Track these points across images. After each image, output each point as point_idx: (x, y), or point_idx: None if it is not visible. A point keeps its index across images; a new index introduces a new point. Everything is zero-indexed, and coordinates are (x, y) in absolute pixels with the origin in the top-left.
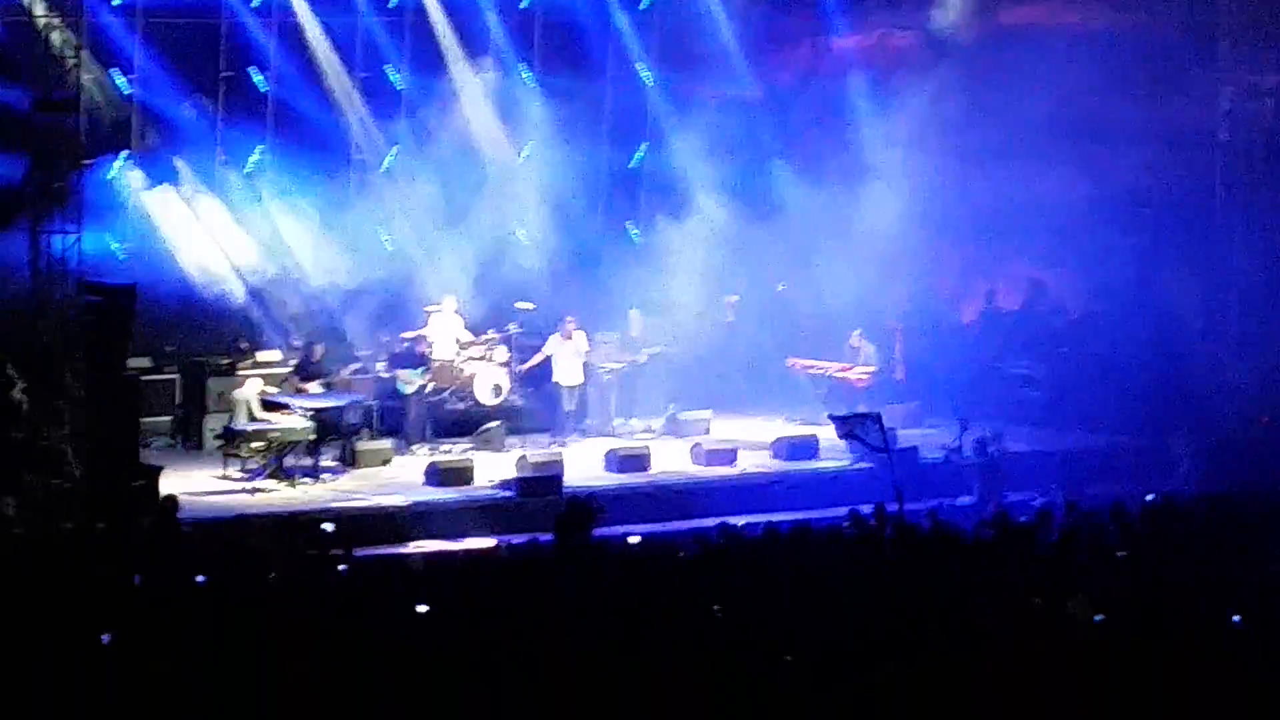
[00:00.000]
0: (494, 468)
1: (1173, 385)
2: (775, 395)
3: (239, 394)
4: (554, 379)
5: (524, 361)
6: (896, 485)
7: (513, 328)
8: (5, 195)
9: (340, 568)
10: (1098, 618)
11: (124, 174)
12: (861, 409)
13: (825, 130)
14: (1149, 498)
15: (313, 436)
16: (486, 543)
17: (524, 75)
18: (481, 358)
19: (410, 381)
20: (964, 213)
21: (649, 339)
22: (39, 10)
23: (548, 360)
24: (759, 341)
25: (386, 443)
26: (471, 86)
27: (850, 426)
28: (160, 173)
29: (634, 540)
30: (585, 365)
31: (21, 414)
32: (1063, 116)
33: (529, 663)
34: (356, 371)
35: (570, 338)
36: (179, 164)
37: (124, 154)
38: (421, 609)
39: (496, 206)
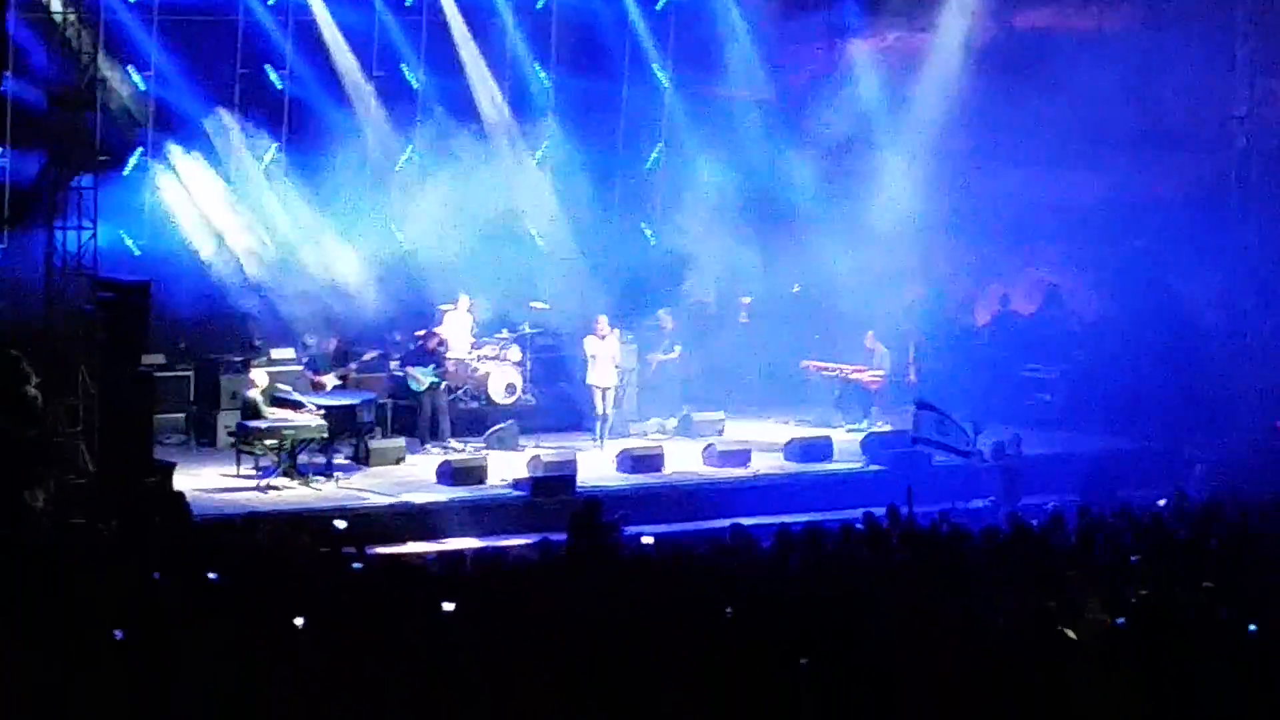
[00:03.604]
0: (507, 467)
1: (1188, 389)
2: (789, 397)
3: (250, 393)
4: (588, 380)
5: (539, 360)
6: (908, 487)
7: (526, 327)
8: (21, 192)
9: (354, 565)
10: (1119, 620)
11: (139, 171)
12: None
13: (840, 132)
14: (1161, 502)
15: (326, 434)
16: (500, 542)
17: (540, 75)
18: (495, 357)
19: (421, 379)
20: (979, 215)
21: (678, 339)
22: (55, 7)
23: (562, 360)
24: (773, 343)
25: (400, 441)
26: (487, 86)
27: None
28: (175, 170)
29: (648, 541)
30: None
31: (36, 410)
32: (1077, 119)
33: (541, 662)
34: (369, 368)
35: (604, 338)
36: (194, 161)
37: (139, 151)
38: (448, 607)
39: (511, 206)
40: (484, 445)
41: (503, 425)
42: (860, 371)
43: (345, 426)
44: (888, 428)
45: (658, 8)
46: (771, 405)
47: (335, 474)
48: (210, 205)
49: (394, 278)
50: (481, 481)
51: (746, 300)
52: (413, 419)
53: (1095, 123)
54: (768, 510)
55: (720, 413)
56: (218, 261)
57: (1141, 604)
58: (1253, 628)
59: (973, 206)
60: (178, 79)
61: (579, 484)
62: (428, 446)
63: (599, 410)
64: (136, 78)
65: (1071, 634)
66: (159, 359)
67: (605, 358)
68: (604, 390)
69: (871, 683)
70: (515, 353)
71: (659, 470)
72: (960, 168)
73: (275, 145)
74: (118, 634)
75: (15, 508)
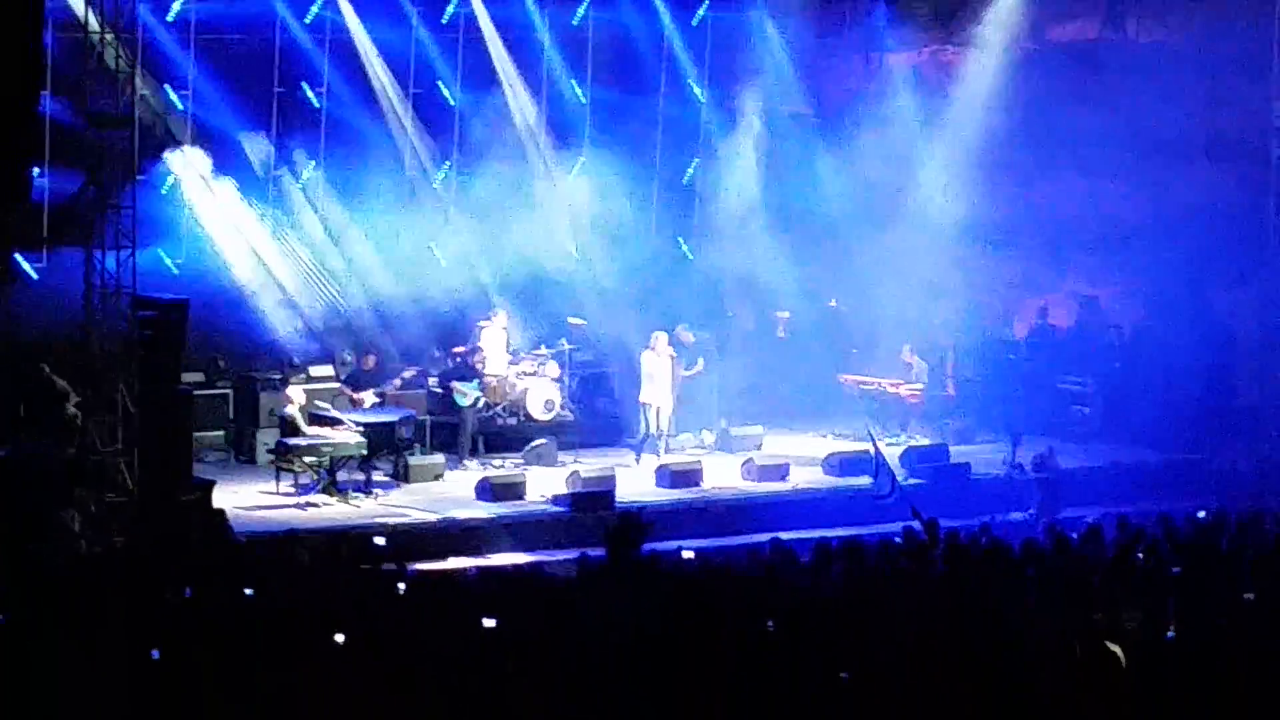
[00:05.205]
0: (546, 483)
1: (1226, 400)
2: (827, 411)
3: (288, 409)
4: (642, 398)
5: (577, 377)
6: (913, 506)
7: (564, 344)
8: (59, 211)
9: (395, 582)
10: (1170, 634)
11: (177, 189)
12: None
13: (876, 146)
14: (1201, 514)
15: (365, 451)
16: (539, 558)
17: (576, 91)
18: (533, 373)
19: (466, 394)
20: (1016, 228)
21: (700, 353)
22: (93, 25)
23: (599, 376)
24: (810, 357)
25: (439, 458)
26: (524, 102)
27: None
28: (212, 189)
29: (688, 555)
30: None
31: (74, 429)
32: (1115, 132)
33: (582, 677)
34: (408, 385)
35: (661, 355)
36: (232, 180)
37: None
38: (488, 623)
39: (548, 222)
40: (522, 461)
41: (541, 441)
42: (898, 385)
43: (384, 443)
44: (926, 441)
45: (694, 23)
46: (809, 419)
47: (374, 490)
48: (248, 223)
49: (431, 294)
50: (521, 498)
51: (784, 315)
52: (451, 436)
53: (1133, 135)
54: (807, 524)
55: (758, 427)
56: (256, 279)
57: (1181, 617)
58: None
59: (1010, 219)
60: (215, 98)
61: (618, 499)
62: (465, 462)
63: (647, 428)
64: (174, 97)
65: (1119, 650)
66: (198, 377)
67: (662, 375)
68: (657, 408)
69: (912, 697)
70: (553, 368)
71: (698, 485)
72: (997, 181)
73: (312, 163)
74: (154, 654)
75: (51, 527)
